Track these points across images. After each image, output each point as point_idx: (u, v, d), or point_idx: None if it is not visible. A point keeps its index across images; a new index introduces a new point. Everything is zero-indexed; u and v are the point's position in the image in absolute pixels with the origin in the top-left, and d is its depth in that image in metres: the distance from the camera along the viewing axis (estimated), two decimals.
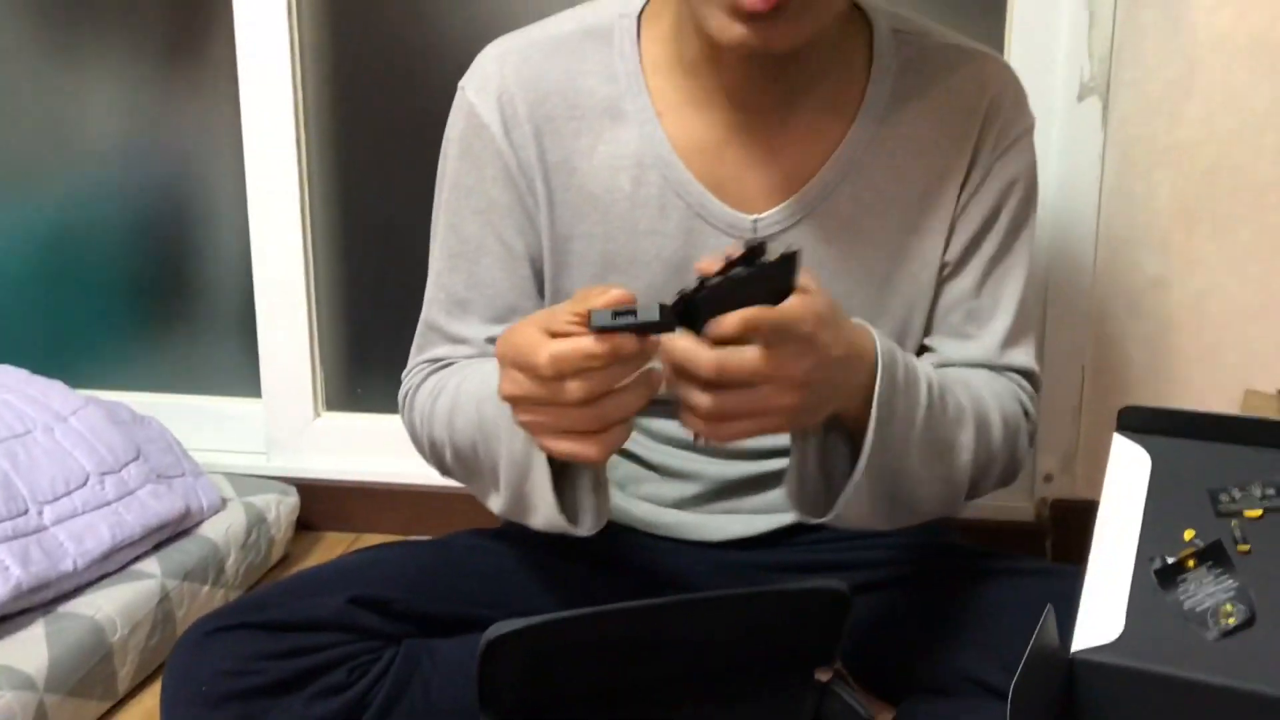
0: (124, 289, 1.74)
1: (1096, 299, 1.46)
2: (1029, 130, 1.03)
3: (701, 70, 0.97)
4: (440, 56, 1.56)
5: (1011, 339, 1.04)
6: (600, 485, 0.87)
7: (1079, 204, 1.44)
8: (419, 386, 1.04)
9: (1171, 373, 1.44)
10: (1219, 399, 1.42)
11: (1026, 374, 1.05)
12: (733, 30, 0.86)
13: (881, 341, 0.86)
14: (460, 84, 1.03)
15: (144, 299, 1.75)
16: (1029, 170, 1.04)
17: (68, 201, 1.72)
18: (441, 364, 1.04)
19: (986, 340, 1.04)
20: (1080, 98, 1.42)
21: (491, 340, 1.01)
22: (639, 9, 1.01)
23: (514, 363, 0.78)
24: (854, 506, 0.87)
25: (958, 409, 0.93)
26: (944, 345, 1.05)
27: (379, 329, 1.69)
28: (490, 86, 1.00)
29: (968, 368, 1.03)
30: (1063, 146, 1.44)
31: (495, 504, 0.94)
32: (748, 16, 0.85)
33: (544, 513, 0.86)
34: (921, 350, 1.06)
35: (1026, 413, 1.03)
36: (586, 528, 0.87)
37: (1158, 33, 1.36)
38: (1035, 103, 1.48)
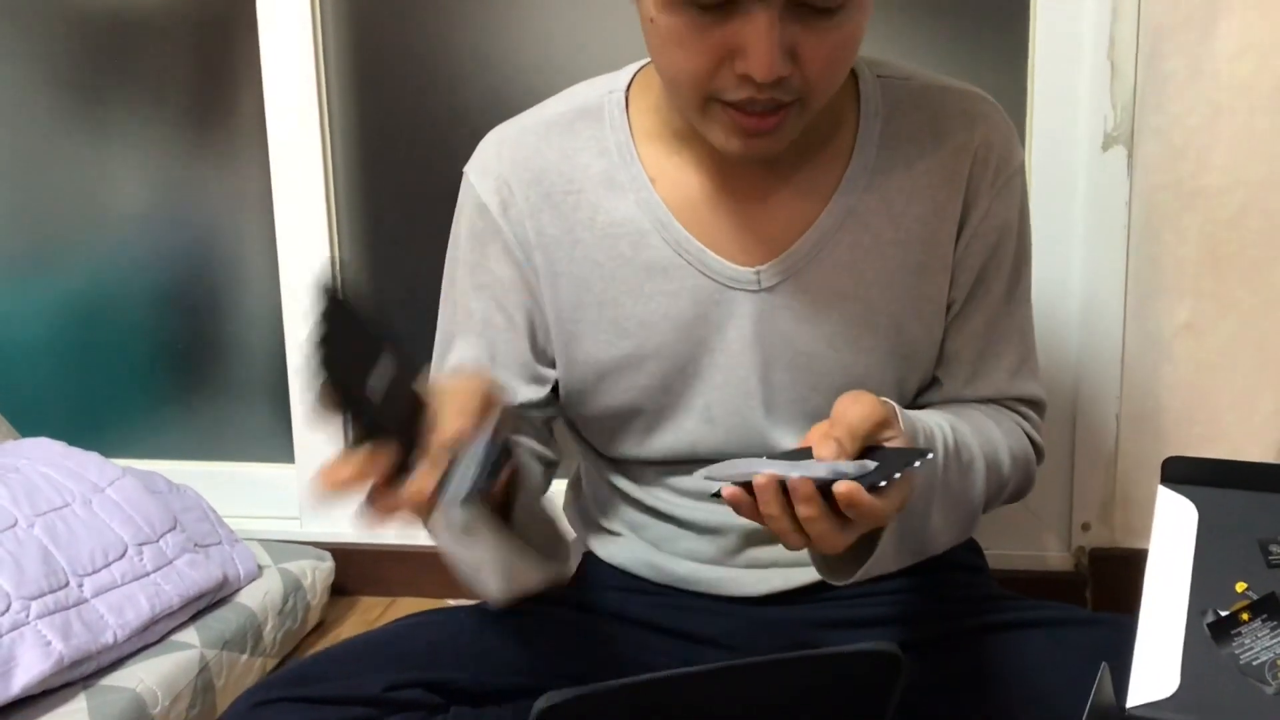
0: (157, 358, 1.76)
1: (1128, 346, 1.46)
2: (1022, 166, 1.05)
3: (691, 137, 0.99)
4: (470, 125, 1.56)
5: (1019, 370, 1.07)
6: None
7: (1107, 252, 1.45)
8: None
9: (1206, 420, 1.43)
10: (1255, 446, 1.41)
11: (1034, 401, 1.08)
12: (733, 144, 0.92)
13: (904, 420, 0.88)
14: (465, 169, 1.07)
15: (177, 368, 1.76)
16: (1024, 205, 1.06)
17: (100, 272, 1.74)
18: None
19: (997, 376, 1.06)
20: (1105, 147, 1.42)
21: None
22: (626, 84, 1.04)
23: None
24: (877, 568, 0.90)
25: (969, 457, 0.97)
26: (955, 383, 1.06)
27: None
28: (490, 170, 1.04)
29: (977, 403, 1.05)
30: (1088, 196, 1.45)
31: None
32: (750, 133, 0.90)
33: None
34: (932, 384, 1.07)
35: (1034, 443, 1.07)
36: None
37: (1180, 81, 1.36)
38: (1059, 153, 1.48)
